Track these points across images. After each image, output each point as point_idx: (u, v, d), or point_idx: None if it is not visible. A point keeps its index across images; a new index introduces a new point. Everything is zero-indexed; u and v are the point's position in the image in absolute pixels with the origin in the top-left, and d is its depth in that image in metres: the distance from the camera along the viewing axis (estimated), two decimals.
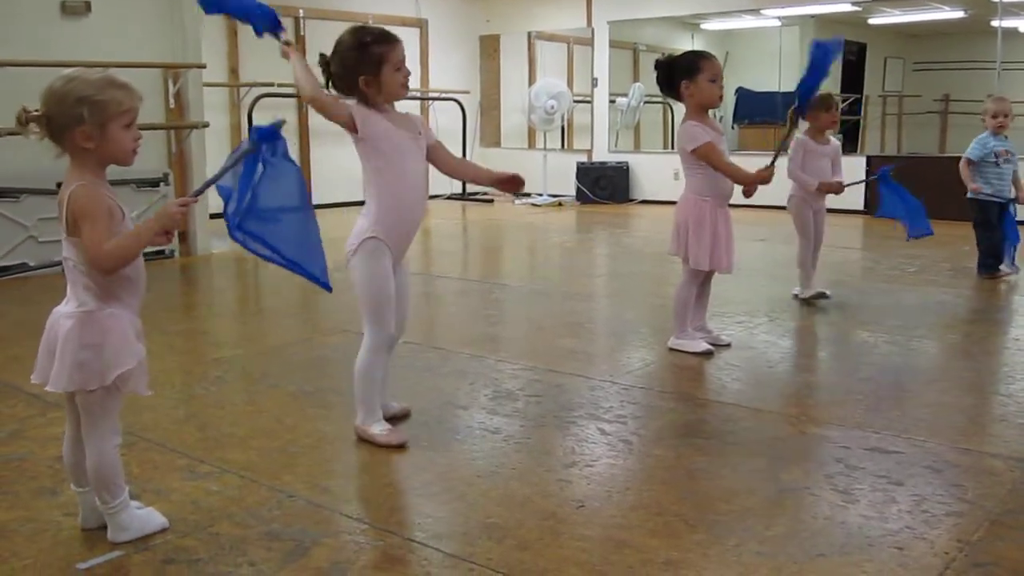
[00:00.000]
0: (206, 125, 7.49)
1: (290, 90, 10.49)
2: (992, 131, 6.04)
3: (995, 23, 9.38)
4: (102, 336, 2.20)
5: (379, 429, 3.07)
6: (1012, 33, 9.87)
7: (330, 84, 3.05)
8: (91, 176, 2.19)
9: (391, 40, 3.02)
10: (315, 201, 10.55)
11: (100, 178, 2.22)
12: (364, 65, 2.95)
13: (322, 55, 3.07)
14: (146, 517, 2.39)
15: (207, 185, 2.40)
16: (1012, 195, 6.08)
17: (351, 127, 2.97)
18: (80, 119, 2.13)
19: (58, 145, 2.19)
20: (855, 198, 9.87)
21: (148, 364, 2.33)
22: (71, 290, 2.24)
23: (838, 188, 5.26)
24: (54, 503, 2.58)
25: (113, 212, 2.19)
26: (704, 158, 4.03)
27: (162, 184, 6.91)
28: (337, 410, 3.48)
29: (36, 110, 2.14)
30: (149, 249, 2.33)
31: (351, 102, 3.00)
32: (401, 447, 3.03)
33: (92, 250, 2.14)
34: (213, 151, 8.54)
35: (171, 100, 7.21)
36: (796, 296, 5.36)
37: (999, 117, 6.03)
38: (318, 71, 3.05)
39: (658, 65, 4.16)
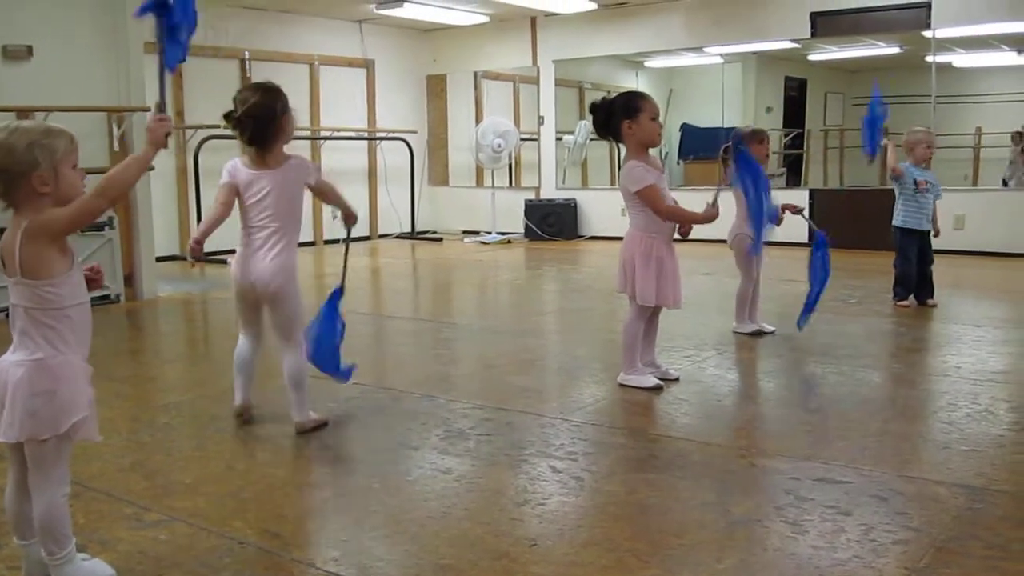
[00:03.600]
0: (151, 168, 7.41)
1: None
2: (916, 162, 6.20)
3: (929, 58, 9.62)
4: (54, 383, 2.18)
5: (316, 415, 3.72)
6: (946, 68, 10.13)
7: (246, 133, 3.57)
8: None
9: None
10: None
11: None
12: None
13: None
14: (92, 569, 2.35)
15: (162, 95, 2.48)
16: (930, 226, 6.25)
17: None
18: (35, 164, 2.13)
19: (7, 198, 2.17)
20: (799, 230, 10.03)
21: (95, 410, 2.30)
22: (19, 338, 2.21)
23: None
24: None
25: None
26: (646, 201, 4.07)
27: (107, 228, 6.83)
28: (287, 454, 3.46)
29: None
30: (94, 294, 2.32)
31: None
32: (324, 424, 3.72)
33: (83, 202, 2.18)
34: (159, 194, 8.50)
35: (116, 143, 7.15)
36: (736, 331, 5.44)
37: (931, 148, 6.21)
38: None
39: (595, 108, 4.22)
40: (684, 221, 4.16)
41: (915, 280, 6.26)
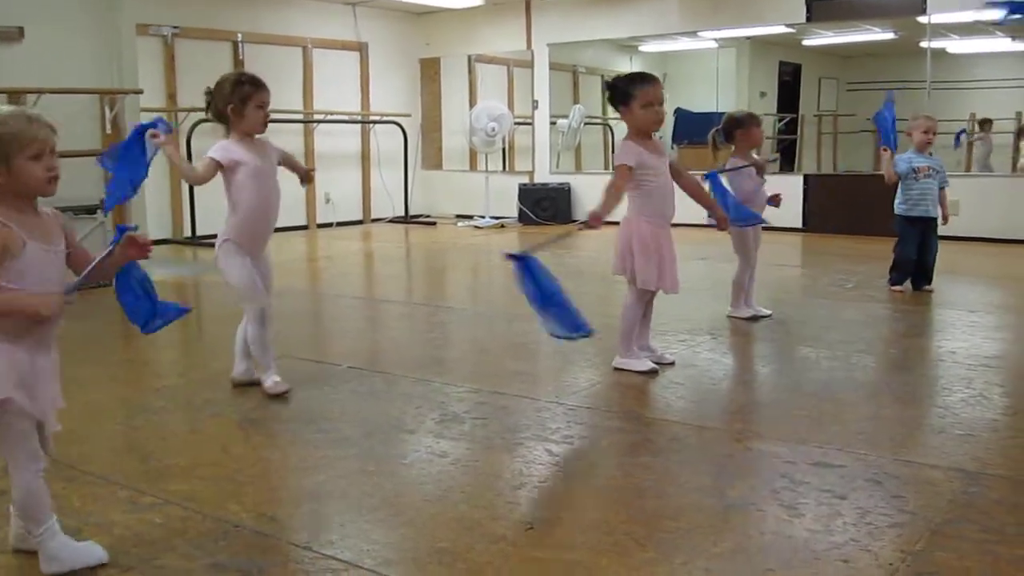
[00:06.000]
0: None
1: None
2: (917, 148, 6.17)
3: (924, 44, 9.61)
4: None
5: (271, 381, 3.93)
6: (940, 53, 10.12)
7: (208, 111, 3.91)
8: (2, 208, 2.17)
9: (258, 84, 3.81)
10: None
11: (13, 208, 2.19)
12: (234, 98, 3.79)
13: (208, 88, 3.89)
14: (84, 550, 2.35)
15: (81, 282, 2.34)
16: (936, 213, 6.23)
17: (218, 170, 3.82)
18: None
19: None
20: (793, 215, 10.05)
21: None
22: None
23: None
24: None
25: (8, 247, 2.16)
26: (615, 176, 4.06)
27: (99, 212, 6.80)
28: (282, 438, 3.45)
29: None
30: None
31: (213, 149, 3.82)
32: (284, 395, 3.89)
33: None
34: (151, 177, 8.45)
35: (108, 126, 7.11)
36: (731, 315, 5.45)
37: (929, 134, 6.17)
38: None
39: (606, 87, 4.23)
40: (600, 213, 3.93)
41: (913, 267, 6.25)
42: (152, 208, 8.12)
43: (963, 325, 5.25)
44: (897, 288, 6.25)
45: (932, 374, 4.30)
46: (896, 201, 6.25)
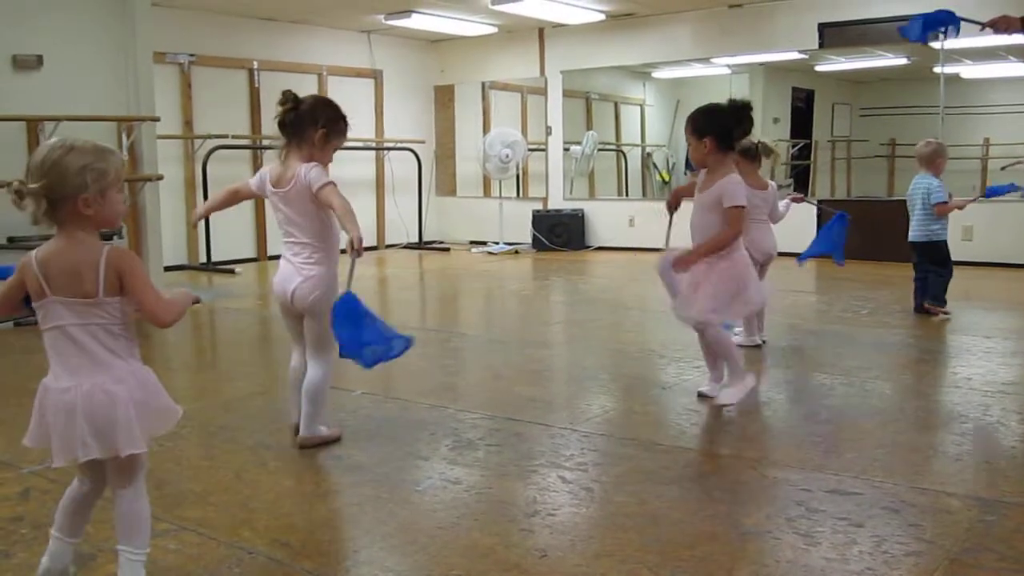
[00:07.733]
0: (160, 178, 7.45)
1: (244, 142, 10.55)
2: (935, 174, 6.16)
3: (937, 69, 9.60)
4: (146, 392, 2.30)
5: (327, 431, 3.64)
6: (954, 79, 10.11)
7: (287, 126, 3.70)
8: (97, 238, 2.23)
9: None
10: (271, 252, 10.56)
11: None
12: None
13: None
14: None
15: None
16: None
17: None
18: (83, 187, 2.14)
19: (51, 216, 2.17)
20: (808, 241, 10.01)
21: None
22: (89, 357, 2.25)
23: None
24: (6, 566, 2.52)
25: None
26: (731, 217, 4.06)
27: (116, 237, 6.84)
28: (296, 464, 3.45)
29: (30, 184, 2.11)
30: None
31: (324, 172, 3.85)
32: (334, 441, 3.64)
33: (156, 305, 2.31)
34: (167, 204, 8.51)
35: (125, 153, 7.17)
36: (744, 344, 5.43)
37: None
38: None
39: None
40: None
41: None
42: (167, 233, 8.16)
43: (979, 351, 5.22)
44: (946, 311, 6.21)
45: (948, 400, 4.27)
46: (936, 227, 6.18)
